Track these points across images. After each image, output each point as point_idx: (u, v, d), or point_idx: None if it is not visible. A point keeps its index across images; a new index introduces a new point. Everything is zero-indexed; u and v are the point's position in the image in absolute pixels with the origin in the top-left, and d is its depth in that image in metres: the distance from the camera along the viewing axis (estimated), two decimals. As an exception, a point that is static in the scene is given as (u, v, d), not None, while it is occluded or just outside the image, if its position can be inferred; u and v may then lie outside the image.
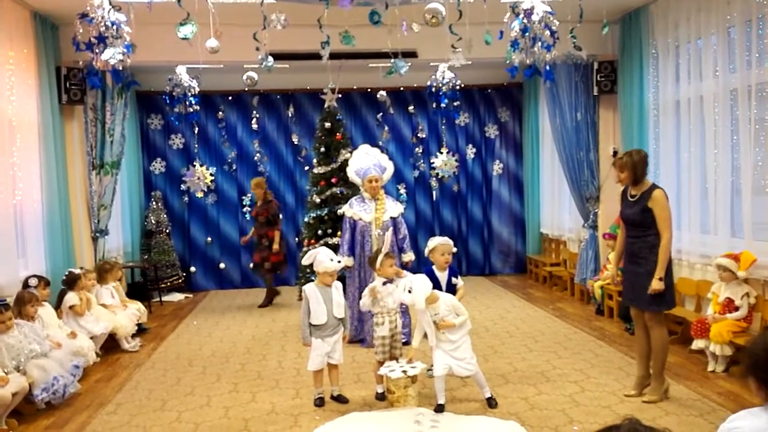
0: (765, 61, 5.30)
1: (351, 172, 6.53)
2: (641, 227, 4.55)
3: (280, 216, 8.73)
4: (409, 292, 4.43)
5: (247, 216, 9.90)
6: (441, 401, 4.49)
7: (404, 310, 5.66)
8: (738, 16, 5.59)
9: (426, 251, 5.25)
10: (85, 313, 6.07)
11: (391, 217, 6.29)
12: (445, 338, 4.51)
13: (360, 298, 6.23)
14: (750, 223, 5.53)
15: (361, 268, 6.29)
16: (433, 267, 5.13)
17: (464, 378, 5.01)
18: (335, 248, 6.50)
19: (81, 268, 7.00)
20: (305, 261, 4.96)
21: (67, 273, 6.35)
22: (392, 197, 6.70)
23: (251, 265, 8.98)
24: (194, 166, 9.48)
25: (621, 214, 4.77)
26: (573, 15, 5.12)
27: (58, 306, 6.08)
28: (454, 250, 5.21)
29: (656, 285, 4.44)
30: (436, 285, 4.96)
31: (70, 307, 6.02)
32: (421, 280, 4.49)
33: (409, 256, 6.32)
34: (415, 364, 4.59)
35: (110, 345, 6.43)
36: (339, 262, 4.87)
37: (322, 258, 4.78)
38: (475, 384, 4.72)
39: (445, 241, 5.13)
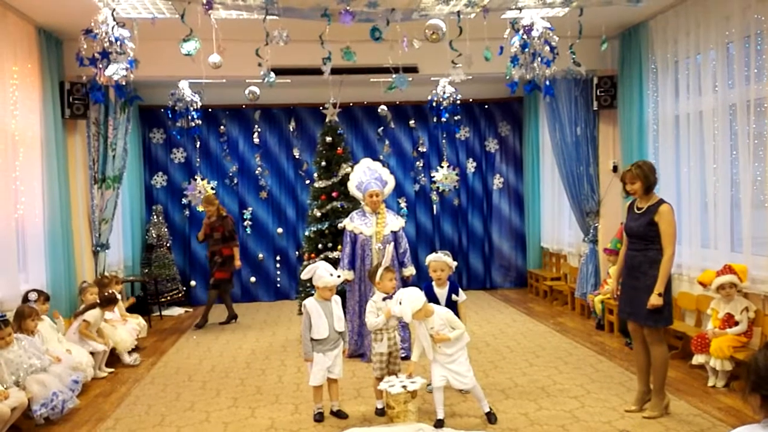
0: (764, 76, 5.33)
1: (352, 186, 6.55)
2: (644, 240, 4.55)
3: (237, 232, 8.65)
4: (400, 303, 4.45)
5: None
6: (440, 416, 4.47)
7: (404, 325, 5.66)
8: (737, 32, 5.63)
9: None
10: (87, 336, 6.07)
11: (391, 231, 6.30)
12: (441, 351, 4.51)
13: (360, 312, 6.25)
14: (749, 238, 5.54)
15: (362, 281, 6.29)
16: (433, 282, 5.14)
17: (463, 393, 5.00)
18: (335, 262, 6.52)
19: (84, 282, 7.01)
20: (305, 275, 4.95)
21: (108, 292, 6.43)
22: (393, 211, 6.72)
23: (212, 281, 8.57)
24: (195, 179, 9.51)
25: (625, 226, 4.77)
26: (572, 31, 5.17)
27: (80, 313, 6.17)
28: (454, 264, 5.20)
29: (655, 300, 4.43)
30: (434, 301, 4.97)
31: (84, 321, 6.03)
32: (412, 293, 4.50)
33: (409, 270, 6.32)
34: (415, 379, 4.58)
35: (109, 360, 6.40)
36: (338, 276, 4.88)
37: (321, 273, 4.78)
38: (474, 398, 4.71)
39: (437, 257, 5.12)
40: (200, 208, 9.39)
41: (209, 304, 8.46)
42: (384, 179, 6.51)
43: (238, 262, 8.37)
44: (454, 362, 4.50)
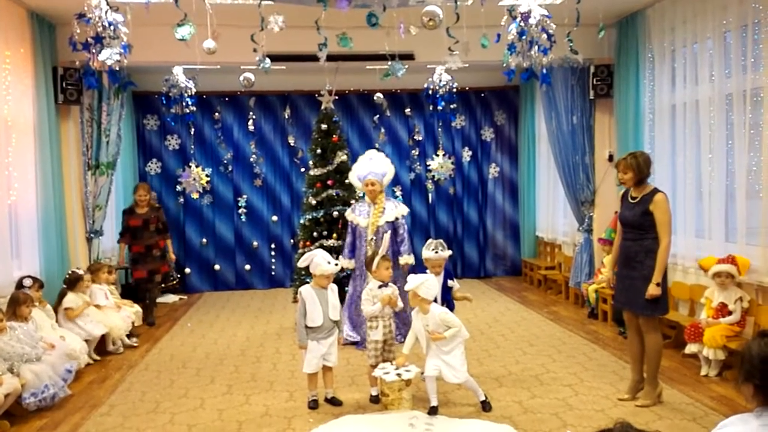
0: (760, 66, 5.32)
1: (352, 176, 6.59)
2: (640, 230, 4.54)
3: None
4: (416, 277, 4.54)
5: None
6: (433, 403, 4.49)
7: (397, 313, 5.67)
8: (734, 21, 5.61)
9: None
10: (77, 317, 6.05)
11: (387, 222, 6.31)
12: (437, 344, 4.53)
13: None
14: (744, 228, 5.55)
15: (362, 270, 6.30)
16: (427, 271, 5.15)
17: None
18: (331, 250, 6.54)
19: (78, 268, 6.96)
20: (302, 263, 4.94)
21: (69, 272, 6.37)
22: (395, 200, 6.69)
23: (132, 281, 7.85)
24: (190, 167, 9.46)
25: (620, 216, 4.76)
26: (570, 19, 5.12)
27: (57, 305, 6.09)
28: (446, 254, 5.20)
29: (653, 290, 4.44)
30: None
31: (66, 309, 6.01)
32: (429, 281, 4.56)
33: (406, 260, 6.32)
34: (409, 367, 4.59)
35: (99, 347, 6.38)
36: (336, 264, 4.87)
37: (318, 261, 4.77)
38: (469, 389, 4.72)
39: (436, 256, 5.14)
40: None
41: (155, 301, 8.05)
42: (384, 169, 6.52)
43: (172, 255, 8.19)
44: (449, 354, 4.51)
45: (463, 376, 4.53)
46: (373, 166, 6.48)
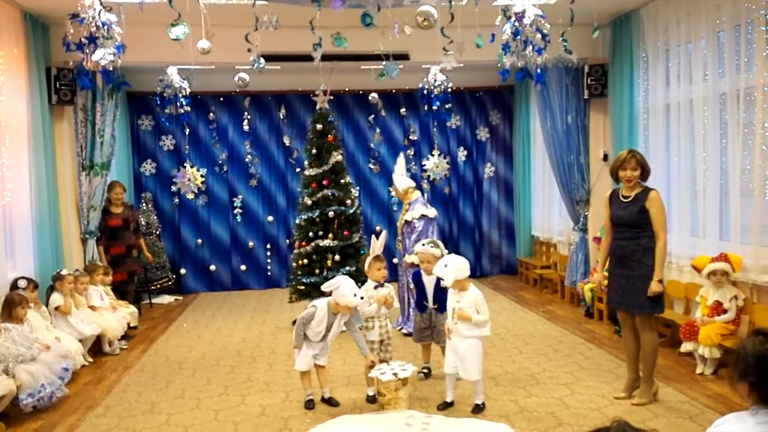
0: (753, 65, 5.34)
1: None
2: (636, 228, 4.54)
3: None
4: (445, 266, 4.50)
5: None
6: (448, 399, 4.61)
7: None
8: (727, 20, 5.63)
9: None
10: (71, 313, 6.04)
11: (405, 221, 6.66)
12: (456, 328, 4.52)
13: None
14: (738, 226, 5.57)
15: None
16: (421, 270, 5.17)
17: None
18: (326, 250, 6.70)
19: (76, 270, 6.93)
20: (326, 287, 4.72)
21: (55, 272, 6.34)
22: (419, 202, 6.83)
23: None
24: (185, 167, 9.43)
25: (612, 215, 4.74)
26: (564, 18, 5.14)
27: (47, 305, 6.07)
28: (441, 253, 5.20)
29: (656, 287, 4.45)
30: (421, 287, 5.12)
31: (56, 308, 5.99)
32: (460, 261, 4.53)
33: (413, 258, 6.34)
34: (405, 367, 4.60)
35: (96, 348, 6.37)
36: (361, 297, 4.69)
37: (344, 291, 4.60)
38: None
39: (424, 250, 5.17)
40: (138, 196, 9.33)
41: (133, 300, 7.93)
42: (396, 176, 6.94)
43: (149, 255, 8.22)
44: (465, 343, 4.48)
45: (474, 376, 4.51)
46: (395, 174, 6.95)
